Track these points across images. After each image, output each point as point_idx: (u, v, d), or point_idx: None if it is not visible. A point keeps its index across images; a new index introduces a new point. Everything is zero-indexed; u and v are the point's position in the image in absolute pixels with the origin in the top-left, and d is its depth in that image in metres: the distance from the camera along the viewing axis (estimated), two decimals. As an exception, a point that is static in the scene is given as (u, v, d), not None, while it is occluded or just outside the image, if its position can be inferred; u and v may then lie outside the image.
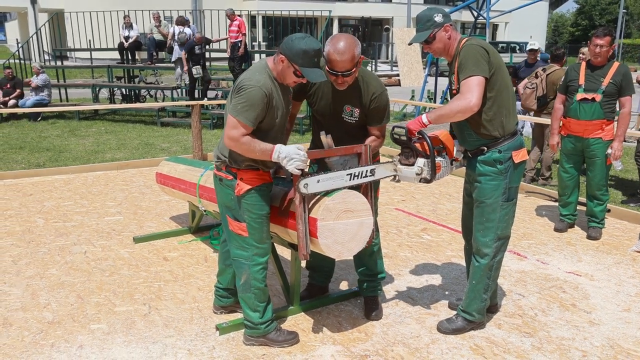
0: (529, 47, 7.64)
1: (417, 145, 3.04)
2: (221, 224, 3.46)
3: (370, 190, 3.12)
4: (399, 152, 3.15)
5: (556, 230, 5.20)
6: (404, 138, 3.03)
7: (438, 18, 3.02)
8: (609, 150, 4.81)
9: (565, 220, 5.23)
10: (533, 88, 6.72)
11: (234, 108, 2.81)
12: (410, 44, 3.22)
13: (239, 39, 12.05)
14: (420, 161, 3.01)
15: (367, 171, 3.00)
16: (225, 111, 2.99)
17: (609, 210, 5.46)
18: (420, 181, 3.05)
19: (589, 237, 4.99)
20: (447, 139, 3.15)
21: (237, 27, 12.06)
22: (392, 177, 3.13)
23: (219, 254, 3.51)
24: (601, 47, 4.69)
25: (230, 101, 2.89)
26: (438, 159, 3.05)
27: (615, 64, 4.79)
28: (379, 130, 3.26)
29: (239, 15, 12.45)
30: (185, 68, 11.59)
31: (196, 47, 11.47)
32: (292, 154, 2.80)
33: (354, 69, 2.97)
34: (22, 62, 13.42)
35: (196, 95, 11.89)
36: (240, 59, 12.09)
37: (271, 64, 2.90)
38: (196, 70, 11.50)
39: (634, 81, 5.05)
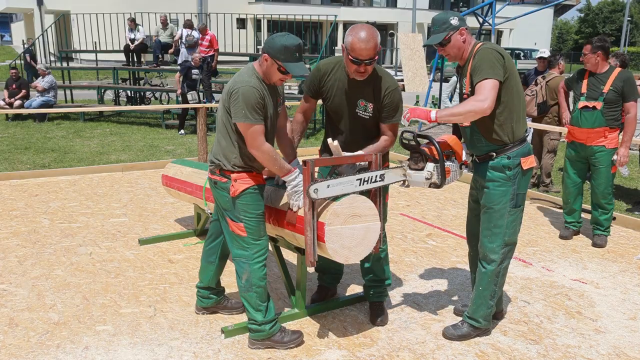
0: (539, 55, 7.63)
1: (426, 149, 3.04)
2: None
3: (379, 195, 3.13)
4: (407, 157, 3.15)
5: (561, 237, 5.19)
6: (413, 143, 3.03)
7: (454, 21, 3.04)
8: (615, 157, 4.82)
9: (570, 227, 5.23)
10: (533, 95, 6.87)
11: (239, 114, 2.86)
12: (425, 45, 3.23)
13: (209, 54, 12.07)
14: (430, 166, 3.01)
15: (376, 176, 3.01)
16: (218, 115, 3.04)
17: (614, 218, 5.46)
18: (429, 186, 3.05)
19: (594, 245, 4.98)
20: (456, 143, 3.14)
21: (209, 42, 12.13)
22: (402, 182, 3.14)
23: (203, 252, 3.53)
24: (585, 55, 4.88)
25: (224, 105, 2.96)
26: (447, 164, 3.04)
27: (616, 70, 4.79)
28: (391, 128, 3.26)
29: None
30: (179, 91, 11.05)
31: (194, 71, 10.94)
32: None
33: (377, 57, 3.01)
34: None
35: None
36: (208, 72, 11.78)
37: (257, 66, 2.98)
38: (191, 97, 10.82)
39: None
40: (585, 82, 4.90)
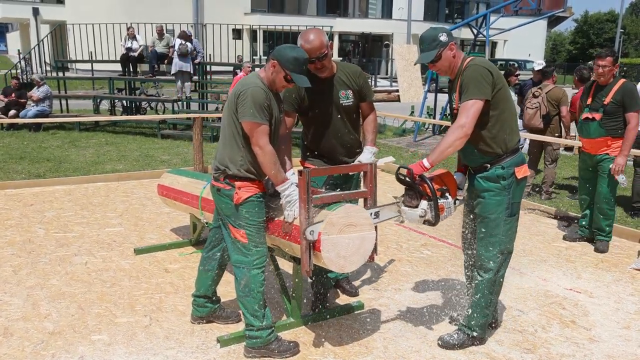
0: (535, 67, 7.66)
1: (420, 187, 3.05)
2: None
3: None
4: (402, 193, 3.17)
5: (564, 238, 5.37)
6: (408, 179, 3.05)
7: (443, 37, 3.08)
8: (612, 165, 4.90)
9: (578, 232, 5.39)
10: (536, 108, 6.77)
11: (246, 114, 2.94)
12: (416, 64, 3.30)
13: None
14: (424, 204, 3.04)
15: (371, 213, 3.05)
16: (224, 121, 3.08)
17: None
18: (424, 223, 3.09)
19: (596, 250, 5.10)
20: (449, 179, 3.19)
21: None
22: (396, 217, 3.17)
23: (201, 259, 3.55)
24: (604, 68, 4.85)
25: (229, 109, 3.03)
26: (441, 201, 3.07)
27: (619, 82, 4.88)
28: (371, 106, 3.70)
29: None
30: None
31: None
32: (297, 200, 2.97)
33: (326, 51, 3.35)
34: (25, 72, 13.48)
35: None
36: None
37: (262, 73, 3.10)
38: None
39: None
40: (591, 93, 5.05)
